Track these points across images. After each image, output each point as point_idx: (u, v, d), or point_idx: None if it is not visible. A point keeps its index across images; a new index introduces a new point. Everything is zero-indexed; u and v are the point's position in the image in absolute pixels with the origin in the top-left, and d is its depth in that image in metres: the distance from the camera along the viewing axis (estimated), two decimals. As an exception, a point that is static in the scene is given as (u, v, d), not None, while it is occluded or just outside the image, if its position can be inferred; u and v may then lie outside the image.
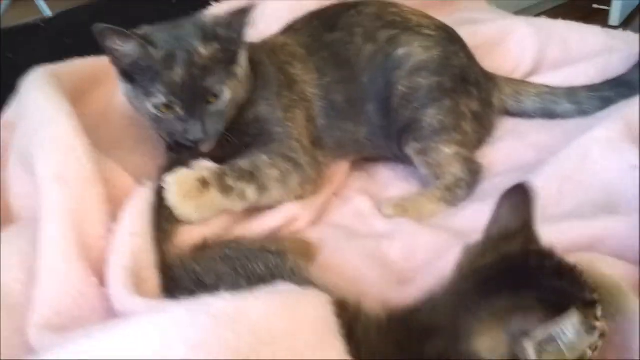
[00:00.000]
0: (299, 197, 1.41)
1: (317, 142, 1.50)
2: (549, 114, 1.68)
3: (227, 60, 1.36)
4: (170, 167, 1.31)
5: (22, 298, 1.06)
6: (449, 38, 1.59)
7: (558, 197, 1.37)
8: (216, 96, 1.35)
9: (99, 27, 1.28)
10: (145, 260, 1.09)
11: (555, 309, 0.79)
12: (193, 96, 1.33)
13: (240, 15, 1.35)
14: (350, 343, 0.85)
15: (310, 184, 1.45)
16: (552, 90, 1.68)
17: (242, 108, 1.43)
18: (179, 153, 1.38)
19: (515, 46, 1.87)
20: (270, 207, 1.38)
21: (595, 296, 0.86)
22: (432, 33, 1.57)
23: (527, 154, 1.56)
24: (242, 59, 1.40)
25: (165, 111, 1.34)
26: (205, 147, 1.38)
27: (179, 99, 1.33)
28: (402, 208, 1.45)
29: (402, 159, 1.57)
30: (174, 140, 1.39)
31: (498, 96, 1.67)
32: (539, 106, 1.68)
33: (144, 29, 1.36)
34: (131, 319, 0.81)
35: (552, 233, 1.12)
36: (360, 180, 1.60)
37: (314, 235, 1.35)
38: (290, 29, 1.62)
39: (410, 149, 1.52)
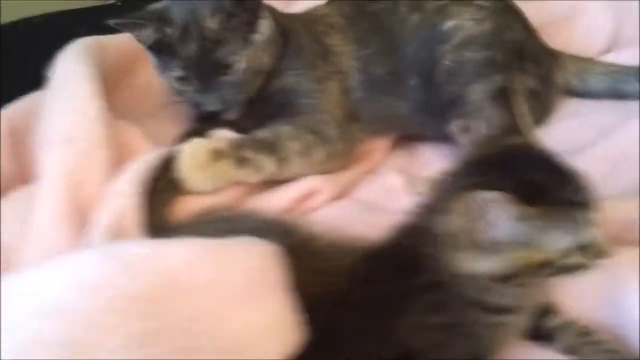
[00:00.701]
0: (326, 171, 1.35)
1: (353, 116, 1.44)
2: (618, 94, 1.55)
3: (243, 29, 1.34)
4: (188, 135, 1.30)
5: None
6: (505, 9, 1.50)
7: (609, 179, 1.26)
8: (231, 66, 1.33)
9: (117, 22, 1.31)
10: (129, 220, 1.07)
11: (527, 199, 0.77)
12: (207, 68, 1.33)
13: None
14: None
15: (339, 158, 1.39)
16: (621, 69, 1.56)
17: (270, 77, 1.40)
18: (205, 123, 1.36)
19: (587, 23, 1.75)
20: (291, 179, 1.33)
21: (584, 199, 0.81)
22: (485, 3, 1.47)
23: (585, 135, 1.44)
24: (263, 26, 1.37)
25: (185, 84, 1.35)
26: (230, 116, 1.36)
27: (194, 72, 1.33)
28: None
29: (446, 138, 1.48)
30: (201, 111, 1.39)
31: (561, 74, 1.56)
32: (606, 85, 1.56)
33: (164, 3, 1.37)
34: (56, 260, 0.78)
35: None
36: (399, 158, 1.52)
37: (333, 209, 1.29)
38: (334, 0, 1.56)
39: (454, 126, 1.43)
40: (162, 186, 1.19)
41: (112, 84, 1.44)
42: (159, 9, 1.36)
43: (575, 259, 0.80)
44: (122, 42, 1.48)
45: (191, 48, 1.32)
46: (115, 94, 1.45)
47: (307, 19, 1.52)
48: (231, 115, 1.37)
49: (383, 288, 0.87)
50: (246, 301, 0.78)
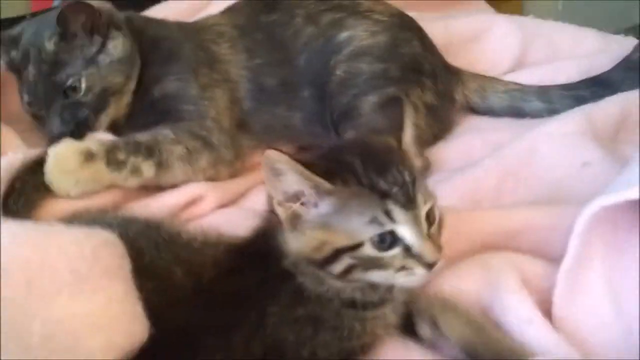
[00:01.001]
0: (211, 178, 1.32)
1: (242, 126, 1.42)
2: (517, 113, 1.55)
3: (85, 50, 1.34)
4: (62, 136, 1.26)
5: None
6: (403, 24, 1.49)
7: (496, 193, 1.24)
8: (74, 88, 1.31)
9: None
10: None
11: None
12: (47, 92, 1.32)
13: (77, 9, 1.32)
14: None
15: (226, 166, 1.36)
16: (521, 88, 1.55)
17: (149, 84, 1.38)
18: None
19: (494, 43, 1.75)
20: (174, 186, 1.28)
21: (388, 189, 0.79)
22: (383, 18, 1.47)
23: (483, 152, 1.42)
24: (112, 46, 1.36)
25: (33, 109, 1.35)
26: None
27: (36, 97, 1.33)
28: None
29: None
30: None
31: (461, 91, 1.55)
32: (506, 104, 1.55)
33: (23, 24, 1.38)
34: None
35: (471, 221, 1.07)
36: (294, 170, 1.48)
37: (217, 217, 1.24)
38: (229, 9, 1.56)
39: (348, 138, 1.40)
40: (27, 187, 1.15)
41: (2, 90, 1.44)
42: (14, 32, 1.36)
43: (398, 261, 0.80)
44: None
45: (31, 72, 1.32)
46: (4, 99, 1.45)
47: (194, 27, 1.51)
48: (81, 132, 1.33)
49: (246, 279, 0.85)
50: (73, 289, 0.74)
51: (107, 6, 1.39)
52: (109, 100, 1.35)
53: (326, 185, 0.78)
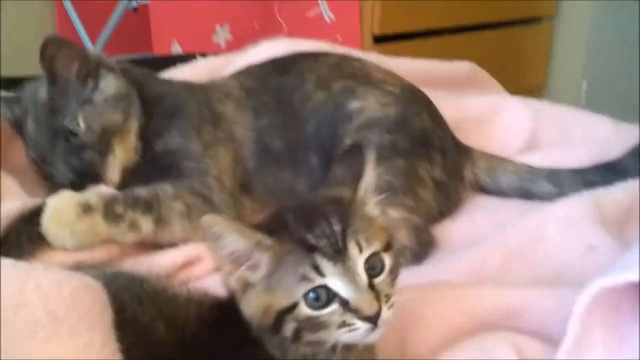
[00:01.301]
0: None
1: (245, 186, 1.41)
2: (527, 194, 1.52)
3: (78, 92, 1.33)
4: (61, 188, 1.24)
5: None
6: (414, 98, 1.49)
7: (501, 273, 1.22)
8: (73, 132, 1.31)
9: None
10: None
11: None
12: (49, 140, 1.31)
13: (53, 47, 1.31)
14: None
15: None
16: (532, 170, 1.54)
17: (151, 138, 1.37)
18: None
19: (506, 123, 1.75)
20: (173, 243, 1.26)
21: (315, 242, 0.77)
22: (395, 90, 1.47)
23: (489, 231, 1.39)
24: (104, 84, 1.36)
25: (41, 165, 1.35)
26: (108, 181, 1.34)
27: (40, 148, 1.33)
28: None
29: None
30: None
31: (470, 169, 1.53)
32: (516, 185, 1.53)
33: (26, 89, 1.38)
34: None
35: (471, 298, 1.05)
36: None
37: (215, 279, 1.21)
38: (241, 72, 1.57)
39: None
40: (22, 238, 1.15)
41: (8, 140, 1.44)
42: (18, 92, 1.38)
43: (337, 317, 0.76)
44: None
45: (30, 125, 1.32)
46: (11, 150, 1.45)
47: (198, 86, 1.51)
48: (106, 180, 1.34)
49: (227, 337, 0.82)
50: (48, 331, 0.72)
51: (95, 51, 1.39)
52: (112, 140, 1.35)
53: (265, 241, 0.77)
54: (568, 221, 1.26)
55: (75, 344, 0.73)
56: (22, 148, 1.45)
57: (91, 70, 1.35)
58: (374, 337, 0.78)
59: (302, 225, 0.78)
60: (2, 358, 0.68)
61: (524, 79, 3.24)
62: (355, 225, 0.79)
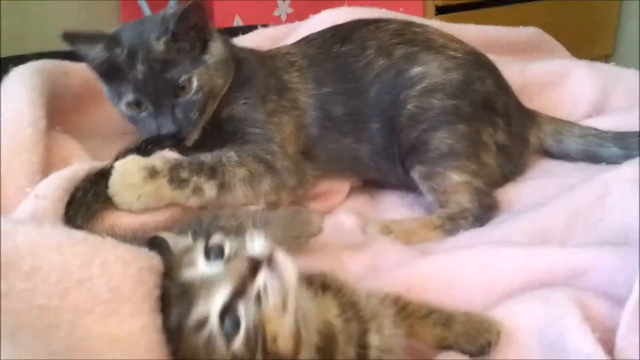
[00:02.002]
0: (271, 203, 1.30)
1: (307, 153, 1.41)
2: (593, 158, 1.50)
3: (193, 50, 1.34)
4: (129, 152, 1.27)
5: None
6: (477, 62, 1.47)
7: (565, 234, 1.20)
8: (183, 87, 1.32)
9: (67, 32, 1.31)
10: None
11: None
12: (159, 90, 1.32)
13: (196, 11, 1.33)
14: None
15: (288, 192, 1.34)
16: (598, 133, 1.50)
17: (220, 105, 1.38)
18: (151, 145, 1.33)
19: (572, 88, 1.72)
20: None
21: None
22: (457, 55, 1.45)
23: (554, 195, 1.38)
24: (214, 48, 1.37)
25: (138, 110, 1.34)
26: (186, 138, 1.36)
27: (146, 95, 1.32)
28: (388, 229, 1.31)
29: (409, 186, 1.44)
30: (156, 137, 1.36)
31: (535, 134, 1.51)
32: (581, 148, 1.50)
33: (116, 28, 1.38)
34: None
35: (531, 258, 1.05)
36: (358, 202, 1.49)
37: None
38: (303, 40, 1.57)
39: (415, 173, 1.39)
40: (87, 197, 1.16)
41: (74, 107, 1.46)
42: (109, 33, 1.37)
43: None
44: (86, 71, 1.46)
45: (140, 70, 1.31)
46: (77, 116, 1.47)
47: (267, 54, 1.52)
48: (187, 137, 1.36)
49: None
50: (107, 308, 0.72)
51: None
52: (209, 102, 1.37)
53: None
54: (633, 184, 1.22)
55: (136, 323, 0.73)
56: (90, 114, 1.50)
57: (207, 30, 1.37)
58: (287, 263, 0.74)
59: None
60: (62, 333, 0.69)
61: (591, 48, 3.16)
62: None
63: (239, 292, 0.71)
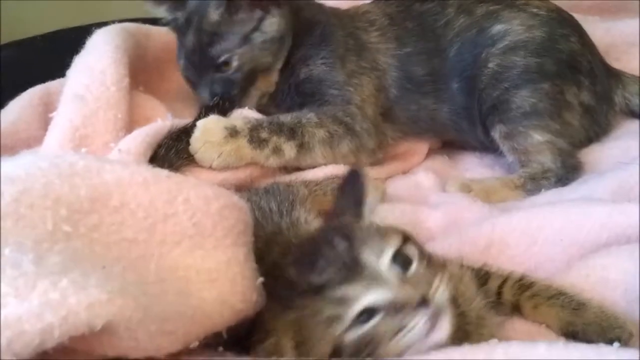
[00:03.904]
0: (351, 165, 1.30)
1: (387, 114, 1.40)
2: (682, 118, 1.44)
3: (245, 25, 1.36)
4: (210, 110, 1.30)
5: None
6: (561, 20, 1.44)
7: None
8: (224, 64, 1.35)
9: None
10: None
11: None
12: (201, 63, 1.35)
13: None
14: None
15: (367, 153, 1.35)
16: None
17: (295, 66, 1.39)
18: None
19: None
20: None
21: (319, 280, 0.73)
22: (540, 12, 1.42)
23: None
24: (268, 24, 1.38)
25: (186, 72, 1.40)
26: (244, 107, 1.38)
27: (191, 63, 1.37)
28: (468, 187, 1.30)
29: (488, 146, 1.43)
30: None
31: (621, 94, 1.48)
32: None
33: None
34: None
35: (613, 214, 1.02)
36: (436, 162, 1.48)
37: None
38: None
39: (496, 132, 1.37)
40: (170, 153, 1.19)
41: (156, 69, 1.50)
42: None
43: (387, 326, 0.70)
44: (168, 35, 1.50)
45: (190, 39, 1.36)
46: (159, 78, 1.51)
47: (346, 14, 1.51)
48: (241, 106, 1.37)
49: None
50: (193, 241, 0.75)
51: None
52: (257, 77, 1.38)
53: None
54: None
55: (219, 256, 0.75)
56: (172, 79, 1.53)
57: (264, 7, 1.38)
58: (444, 328, 0.71)
59: (305, 269, 0.75)
60: (151, 264, 0.71)
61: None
62: (363, 234, 0.76)
63: (391, 309, 0.70)
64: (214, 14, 1.34)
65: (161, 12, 1.38)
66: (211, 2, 1.34)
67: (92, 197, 0.70)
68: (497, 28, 1.39)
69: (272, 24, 1.38)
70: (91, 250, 0.67)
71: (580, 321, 0.86)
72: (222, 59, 1.34)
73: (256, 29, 1.36)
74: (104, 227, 0.69)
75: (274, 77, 1.40)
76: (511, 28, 1.39)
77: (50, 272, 0.59)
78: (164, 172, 0.78)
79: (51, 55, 1.41)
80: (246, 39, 1.35)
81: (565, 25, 1.44)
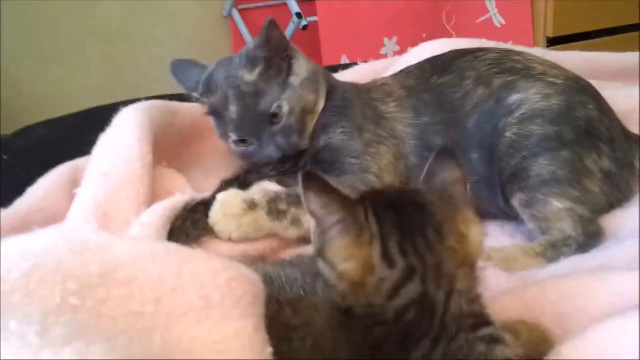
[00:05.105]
0: None
1: (407, 183, 1.42)
2: None
3: (278, 75, 1.40)
4: (228, 184, 1.33)
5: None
6: (578, 88, 1.45)
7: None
8: (276, 115, 1.38)
9: (175, 63, 1.49)
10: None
11: None
12: (256, 125, 1.38)
13: (274, 29, 1.38)
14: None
15: None
16: None
17: (317, 133, 1.43)
18: (249, 175, 1.40)
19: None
20: None
21: None
22: (558, 81, 1.44)
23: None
24: (297, 66, 1.43)
25: (245, 145, 1.42)
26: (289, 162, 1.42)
27: (246, 133, 1.39)
28: (488, 256, 1.30)
29: (509, 215, 1.43)
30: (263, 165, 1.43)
31: None
32: None
33: (209, 70, 1.47)
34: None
35: (631, 283, 1.02)
36: (456, 231, 1.46)
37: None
38: (401, 72, 1.59)
39: (516, 201, 1.38)
40: (186, 224, 1.23)
41: (181, 143, 1.54)
42: (203, 81, 1.46)
43: None
44: (194, 112, 1.55)
45: (232, 111, 1.39)
46: (183, 151, 1.55)
47: (364, 86, 1.55)
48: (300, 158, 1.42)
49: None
50: (200, 314, 0.76)
51: None
52: (307, 119, 1.43)
53: None
54: None
55: (227, 328, 0.76)
56: (194, 149, 1.58)
57: (286, 52, 1.43)
58: None
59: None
60: (156, 336, 0.72)
61: None
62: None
63: None
64: (249, 76, 1.39)
65: (194, 97, 1.45)
66: (239, 72, 1.40)
67: (102, 272, 0.72)
68: (514, 98, 1.41)
69: (301, 65, 1.44)
70: (97, 322, 0.69)
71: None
72: (273, 109, 1.38)
73: (290, 74, 1.42)
74: (112, 301, 0.71)
75: (316, 117, 1.45)
76: (528, 97, 1.41)
77: (54, 343, 0.61)
78: (173, 246, 0.81)
79: (81, 133, 1.45)
80: (286, 85, 1.40)
81: (583, 93, 1.45)
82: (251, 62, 1.39)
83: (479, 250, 0.86)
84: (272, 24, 1.37)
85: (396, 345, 0.80)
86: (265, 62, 1.39)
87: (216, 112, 1.44)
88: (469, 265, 0.85)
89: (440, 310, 0.80)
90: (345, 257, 0.80)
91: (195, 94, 1.44)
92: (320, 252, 0.82)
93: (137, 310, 0.73)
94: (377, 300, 0.80)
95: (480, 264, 1.22)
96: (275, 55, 1.40)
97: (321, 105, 1.46)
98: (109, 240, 0.76)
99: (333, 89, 1.48)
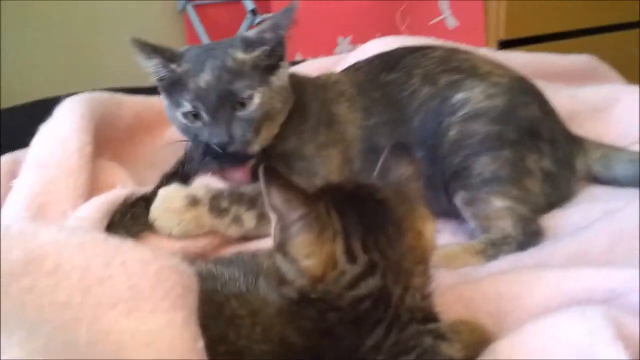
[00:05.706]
0: None
1: None
2: (643, 182, 1.46)
3: (264, 68, 1.37)
4: (169, 179, 1.32)
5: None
6: (522, 89, 1.47)
7: (606, 258, 1.19)
8: (243, 103, 1.35)
9: (132, 40, 1.36)
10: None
11: None
12: (219, 100, 1.34)
13: (284, 16, 1.36)
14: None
15: None
16: None
17: (275, 140, 1.41)
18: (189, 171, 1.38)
19: (621, 114, 1.69)
20: None
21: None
22: (502, 81, 1.45)
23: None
24: (282, 73, 1.41)
25: (193, 120, 1.36)
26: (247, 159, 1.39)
27: (204, 103, 1.34)
28: None
29: (451, 213, 1.44)
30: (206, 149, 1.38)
31: (583, 160, 1.50)
32: (631, 174, 1.48)
33: (185, 47, 1.43)
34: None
35: (568, 279, 1.04)
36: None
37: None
38: (351, 67, 1.59)
39: (458, 199, 1.39)
40: (125, 219, 1.22)
41: (127, 137, 1.53)
42: (176, 51, 1.41)
43: None
44: (140, 104, 1.54)
45: (202, 79, 1.34)
46: (129, 145, 1.54)
47: (318, 83, 1.54)
48: (246, 153, 1.38)
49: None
50: (129, 305, 0.76)
51: None
52: (265, 124, 1.38)
53: None
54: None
55: (156, 320, 0.76)
56: (141, 144, 1.57)
57: (280, 54, 1.41)
58: None
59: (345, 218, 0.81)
60: (83, 327, 0.72)
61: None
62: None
63: None
64: (240, 55, 1.36)
65: (151, 65, 1.38)
66: (232, 46, 1.37)
67: (26, 260, 0.71)
68: (459, 97, 1.43)
69: (285, 73, 1.42)
70: (22, 311, 0.68)
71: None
72: (246, 94, 1.35)
73: (274, 74, 1.39)
74: (37, 289, 0.71)
75: (272, 131, 1.41)
76: (472, 96, 1.42)
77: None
78: (101, 236, 0.80)
79: (29, 124, 1.43)
80: (266, 81, 1.38)
81: (526, 93, 1.47)
82: (250, 43, 1.37)
83: (432, 247, 0.87)
84: (294, 10, 1.36)
85: (348, 331, 0.81)
86: (267, 48, 1.37)
87: (176, 83, 1.38)
88: (425, 262, 0.86)
89: (396, 302, 0.82)
90: (307, 253, 0.80)
91: (160, 59, 1.38)
92: (281, 248, 0.82)
93: (64, 300, 0.72)
94: (334, 289, 0.80)
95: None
96: (277, 46, 1.38)
97: (281, 119, 1.43)
98: (33, 229, 0.76)
99: (295, 96, 1.46)
